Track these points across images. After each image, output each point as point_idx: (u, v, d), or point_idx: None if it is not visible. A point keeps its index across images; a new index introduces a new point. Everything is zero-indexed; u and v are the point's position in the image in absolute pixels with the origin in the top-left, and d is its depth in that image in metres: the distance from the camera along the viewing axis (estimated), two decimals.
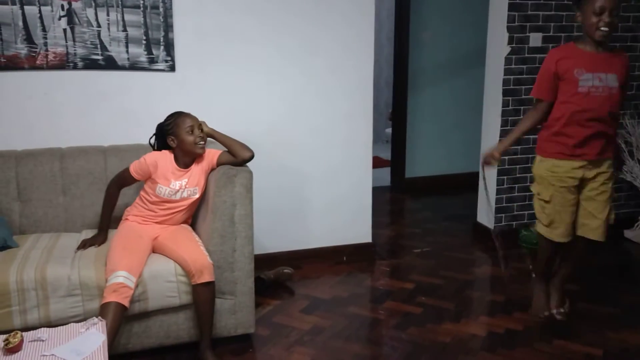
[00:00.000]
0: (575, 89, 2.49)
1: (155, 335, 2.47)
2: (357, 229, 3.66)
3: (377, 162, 6.19)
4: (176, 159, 2.62)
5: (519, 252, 3.79)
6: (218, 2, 3.12)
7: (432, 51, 5.26)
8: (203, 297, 2.40)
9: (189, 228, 2.70)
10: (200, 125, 2.61)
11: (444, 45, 5.26)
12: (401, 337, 2.74)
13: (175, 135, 2.58)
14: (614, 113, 2.55)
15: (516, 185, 3.93)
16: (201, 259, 2.39)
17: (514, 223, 3.98)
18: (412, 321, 2.89)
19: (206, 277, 2.38)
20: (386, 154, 6.01)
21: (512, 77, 3.75)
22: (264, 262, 3.32)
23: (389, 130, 6.59)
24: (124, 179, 2.66)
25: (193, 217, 2.79)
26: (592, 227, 2.65)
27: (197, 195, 2.65)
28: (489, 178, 3.56)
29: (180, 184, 2.60)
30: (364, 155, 3.58)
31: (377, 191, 5.08)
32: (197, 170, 2.63)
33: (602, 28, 2.40)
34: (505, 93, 3.76)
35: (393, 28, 5.41)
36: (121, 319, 2.25)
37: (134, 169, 2.61)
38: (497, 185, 3.91)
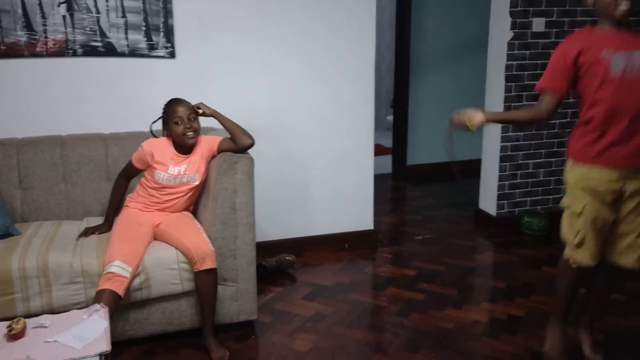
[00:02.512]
0: (607, 73, 2.03)
1: (158, 322, 2.48)
2: (359, 216, 3.66)
3: (379, 150, 6.14)
4: (175, 145, 2.61)
5: (521, 238, 3.79)
6: None
7: (434, 37, 5.23)
8: (205, 284, 2.41)
9: (191, 215, 2.70)
10: (190, 115, 2.56)
11: (446, 31, 5.22)
12: (403, 324, 2.74)
13: (167, 124, 2.59)
14: None
15: (518, 172, 3.91)
16: (203, 246, 2.39)
17: (516, 210, 3.97)
18: (414, 307, 2.89)
19: (208, 264, 2.38)
20: (388, 142, 6.00)
21: (514, 62, 3.72)
22: (266, 249, 3.32)
23: (390, 118, 6.56)
24: (128, 170, 2.69)
25: (195, 204, 2.78)
26: (625, 250, 2.18)
27: (197, 182, 2.64)
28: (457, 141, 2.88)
29: (179, 170, 2.59)
30: (366, 142, 3.56)
31: (378, 178, 5.06)
32: (197, 157, 2.62)
33: (623, 4, 2.00)
34: (508, 79, 3.74)
35: (394, 14, 5.36)
36: (114, 307, 2.24)
37: (135, 158, 2.63)
38: (500, 172, 3.90)
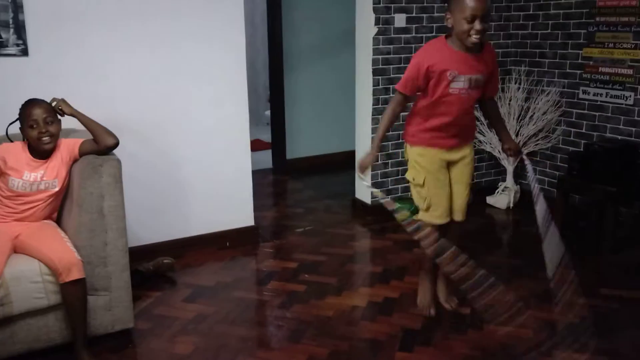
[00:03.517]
0: (447, 89, 2.42)
1: (23, 340, 2.31)
2: (239, 213, 3.65)
3: (259, 145, 6.18)
4: (31, 150, 2.44)
5: (394, 223, 3.98)
6: None
7: (305, 33, 5.32)
8: (73, 295, 2.27)
9: (53, 224, 2.53)
10: (46, 118, 2.39)
11: (316, 26, 5.34)
12: (286, 316, 2.78)
13: (22, 128, 2.42)
14: (473, 103, 2.56)
15: (390, 161, 4.11)
16: (68, 256, 2.25)
17: (389, 197, 4.17)
18: (296, 299, 2.94)
19: (75, 275, 2.25)
20: (267, 136, 6.02)
21: (380, 56, 3.90)
22: (142, 254, 3.20)
23: (269, 113, 6.58)
24: None
25: (58, 211, 2.61)
26: (457, 208, 2.70)
27: (57, 188, 2.48)
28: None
29: (35, 176, 2.42)
30: (241, 138, 3.55)
31: (259, 174, 5.11)
32: (56, 161, 2.47)
33: (474, 36, 2.30)
34: (375, 72, 3.90)
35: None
36: None
37: None
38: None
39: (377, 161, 2.63)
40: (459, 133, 2.60)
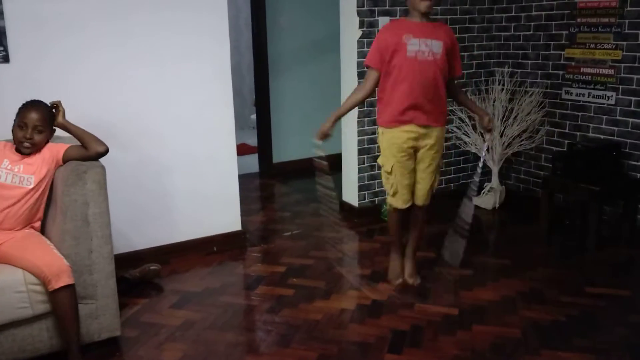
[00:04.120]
0: (405, 53, 2.66)
1: (8, 351, 2.27)
2: (226, 217, 3.63)
3: (245, 149, 6.17)
4: (17, 147, 2.48)
5: (382, 225, 3.99)
6: None
7: (290, 36, 5.31)
8: (64, 302, 2.24)
9: (37, 233, 2.49)
10: (37, 126, 2.42)
11: (301, 29, 5.33)
12: (274, 320, 2.77)
13: (14, 122, 2.45)
14: (440, 79, 2.73)
15: (376, 163, 4.11)
16: (57, 263, 2.23)
17: (376, 199, 4.19)
18: (284, 303, 2.93)
19: (65, 280, 2.22)
20: (254, 141, 6.00)
21: (364, 59, 3.89)
22: (128, 260, 3.17)
23: (254, 117, 6.57)
24: None
25: (42, 221, 2.57)
26: (419, 194, 2.93)
27: (32, 185, 2.44)
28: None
29: (12, 167, 2.42)
30: (227, 142, 3.53)
31: (246, 178, 5.10)
32: (38, 159, 2.46)
33: (423, 4, 2.62)
34: (360, 75, 3.91)
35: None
36: None
37: None
38: (359, 164, 4.08)
39: (331, 133, 2.85)
40: (426, 106, 2.72)
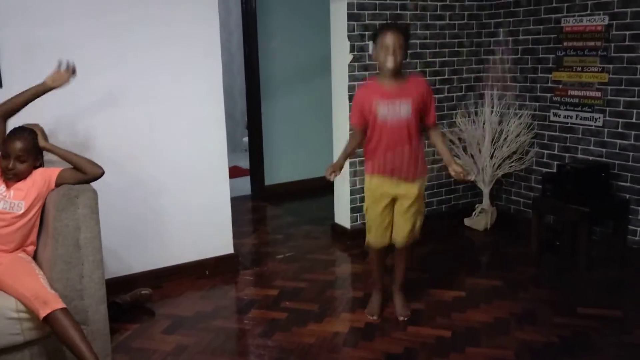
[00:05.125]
0: (376, 118, 2.73)
1: None
2: (218, 241, 3.62)
3: (237, 172, 6.17)
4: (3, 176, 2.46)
5: None
6: (46, 10, 2.92)
7: (281, 59, 5.37)
8: (61, 324, 2.17)
9: (28, 259, 2.46)
10: (20, 156, 2.40)
11: (292, 53, 5.39)
12: (267, 344, 2.75)
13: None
14: (413, 136, 2.77)
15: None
16: (41, 292, 2.20)
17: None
18: (277, 327, 2.92)
19: (52, 306, 2.18)
20: (246, 163, 6.01)
21: (355, 83, 3.95)
22: (120, 285, 3.15)
23: (246, 139, 6.59)
24: None
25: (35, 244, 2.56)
26: (397, 237, 2.92)
27: (21, 211, 2.42)
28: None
29: (5, 194, 2.41)
30: (219, 165, 3.54)
31: (238, 201, 5.09)
32: (28, 184, 2.45)
33: (389, 62, 2.64)
34: (351, 98, 3.94)
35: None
36: None
37: None
38: (350, 186, 4.10)
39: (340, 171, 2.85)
40: (398, 164, 2.79)
